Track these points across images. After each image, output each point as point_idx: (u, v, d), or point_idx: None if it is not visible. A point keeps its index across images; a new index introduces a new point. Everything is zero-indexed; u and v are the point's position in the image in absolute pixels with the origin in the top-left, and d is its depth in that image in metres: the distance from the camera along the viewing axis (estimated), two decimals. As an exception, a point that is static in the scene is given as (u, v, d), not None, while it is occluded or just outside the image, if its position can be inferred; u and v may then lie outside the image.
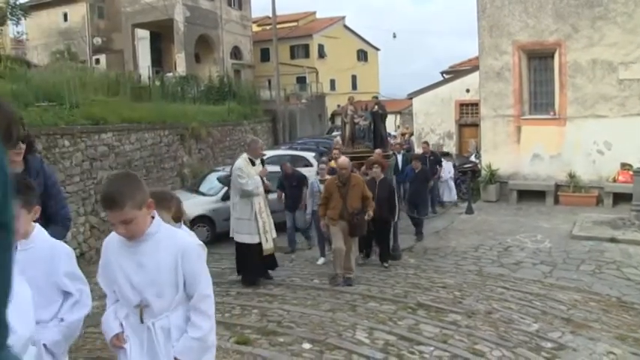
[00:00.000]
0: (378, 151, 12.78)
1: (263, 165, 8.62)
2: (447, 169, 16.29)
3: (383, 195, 9.57)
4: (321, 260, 10.16)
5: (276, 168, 12.17)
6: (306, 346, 5.49)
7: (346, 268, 8.45)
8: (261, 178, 8.38)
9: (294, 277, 8.94)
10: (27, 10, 27.71)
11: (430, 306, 6.90)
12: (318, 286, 8.18)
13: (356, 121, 16.26)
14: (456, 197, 16.42)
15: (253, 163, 8.39)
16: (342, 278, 8.39)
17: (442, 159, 16.47)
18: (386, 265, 9.65)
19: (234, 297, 7.40)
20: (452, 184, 16.51)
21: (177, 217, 3.58)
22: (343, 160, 8.98)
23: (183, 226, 3.62)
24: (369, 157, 11.22)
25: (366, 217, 8.63)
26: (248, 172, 8.23)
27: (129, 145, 13.79)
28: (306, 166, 16.19)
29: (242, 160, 8.44)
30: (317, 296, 7.47)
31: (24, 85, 12.52)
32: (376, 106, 16.83)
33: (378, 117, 16.50)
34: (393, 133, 25.47)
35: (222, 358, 5.20)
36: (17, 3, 26.75)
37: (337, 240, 8.54)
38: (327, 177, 10.09)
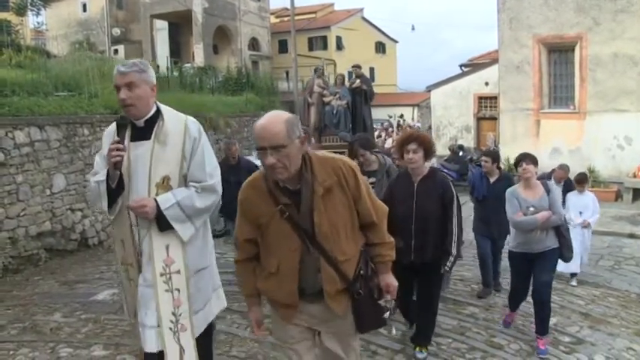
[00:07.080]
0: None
1: (123, 139, 3.24)
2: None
3: (431, 207, 4.64)
4: None
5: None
6: (323, 336, 5.49)
7: None
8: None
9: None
10: (47, 0, 27.92)
11: (447, 298, 6.86)
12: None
13: (326, 100, 12.44)
14: None
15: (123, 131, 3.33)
16: None
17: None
18: (420, 356, 5.03)
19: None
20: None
21: None
22: (272, 123, 2.58)
23: None
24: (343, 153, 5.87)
25: (386, 297, 3.16)
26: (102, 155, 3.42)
27: (147, 135, 13.83)
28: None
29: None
30: (334, 287, 7.42)
31: (43, 75, 12.55)
32: (357, 81, 13.01)
33: (360, 96, 12.67)
34: (417, 124, 25.12)
35: (240, 347, 5.23)
36: (37, -7, 27.00)
37: None
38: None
